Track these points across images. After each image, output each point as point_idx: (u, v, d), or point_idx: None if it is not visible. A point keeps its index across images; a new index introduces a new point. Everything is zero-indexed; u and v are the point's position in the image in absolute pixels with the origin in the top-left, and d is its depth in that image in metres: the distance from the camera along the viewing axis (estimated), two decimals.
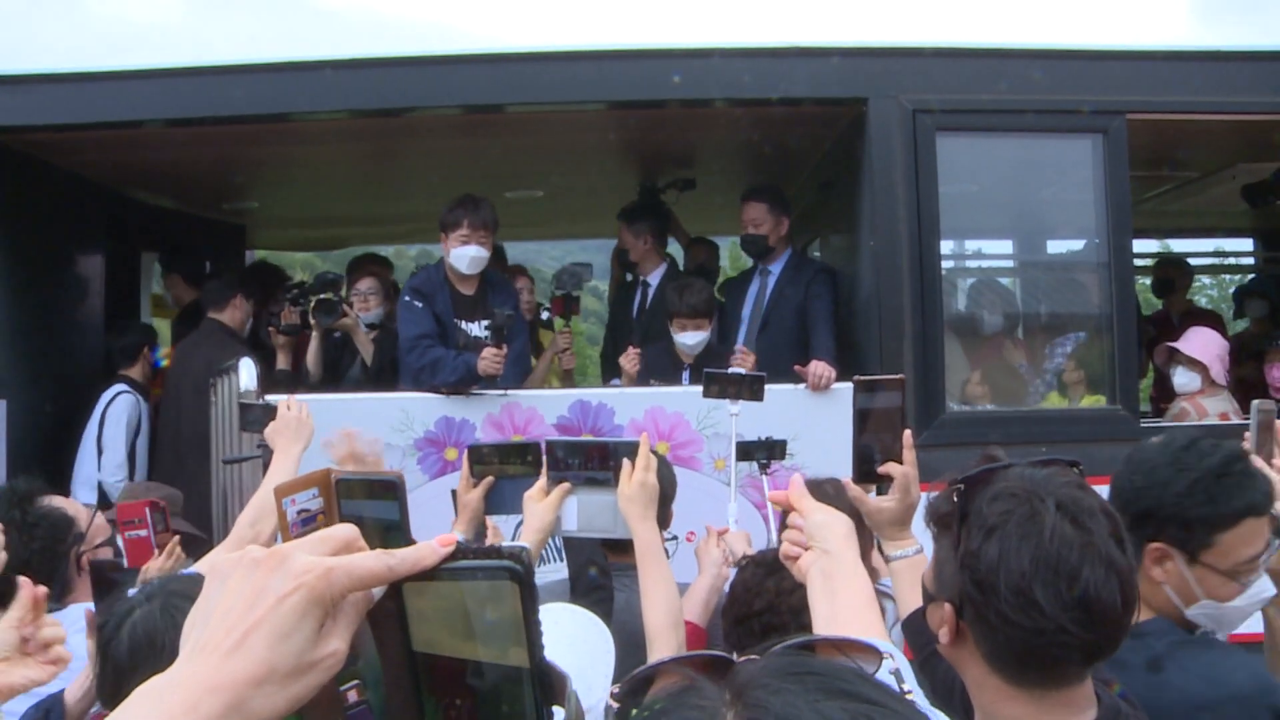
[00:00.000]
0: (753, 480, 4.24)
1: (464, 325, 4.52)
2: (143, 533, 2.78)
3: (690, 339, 4.59)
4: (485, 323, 4.48)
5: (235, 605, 0.66)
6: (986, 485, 1.29)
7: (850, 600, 1.35)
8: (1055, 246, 5.30)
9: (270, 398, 3.62)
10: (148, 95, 4.34)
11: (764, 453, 3.51)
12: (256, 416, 3.40)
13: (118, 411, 4.91)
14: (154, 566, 2.64)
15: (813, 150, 5.28)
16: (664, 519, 2.55)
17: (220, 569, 0.69)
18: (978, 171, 4.73)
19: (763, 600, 1.97)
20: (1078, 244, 4.96)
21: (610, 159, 5.62)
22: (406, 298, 4.45)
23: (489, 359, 4.21)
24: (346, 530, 0.70)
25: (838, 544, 1.40)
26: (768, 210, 4.86)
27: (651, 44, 4.56)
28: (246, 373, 4.10)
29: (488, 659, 0.68)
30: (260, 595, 0.66)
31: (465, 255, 4.41)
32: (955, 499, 1.31)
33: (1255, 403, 2.09)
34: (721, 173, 5.87)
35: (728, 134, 5.10)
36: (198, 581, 1.71)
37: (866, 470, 2.08)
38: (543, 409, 4.32)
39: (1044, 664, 1.21)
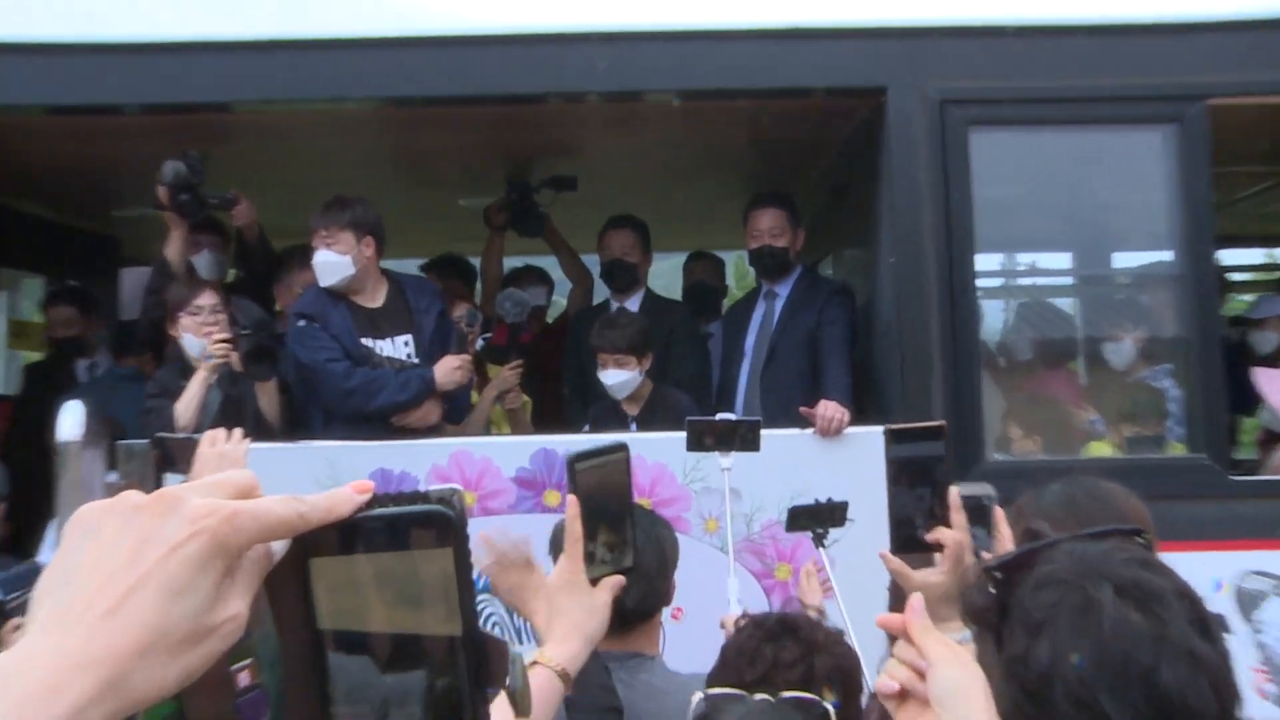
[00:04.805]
0: (750, 545, 3.89)
1: (374, 344, 3.93)
2: None
3: (612, 378, 4.05)
4: (405, 338, 3.93)
5: (111, 560, 0.54)
6: (1029, 570, 1.19)
7: None
8: (1118, 261, 4.97)
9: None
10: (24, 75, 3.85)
11: (818, 521, 2.94)
12: (172, 453, 3.20)
13: None
14: None
15: (822, 150, 4.94)
16: (665, 592, 2.35)
17: (85, 519, 0.56)
18: (1020, 173, 4.39)
19: (756, 670, 1.81)
20: (1146, 257, 4.67)
21: (588, 159, 5.19)
22: (300, 324, 3.87)
23: (461, 366, 3.87)
24: (245, 475, 0.61)
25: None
26: (787, 219, 4.42)
27: (625, 25, 4.04)
28: (70, 419, 3.41)
29: (410, 630, 0.59)
30: (146, 545, 0.54)
31: (315, 262, 3.88)
32: (993, 590, 1.21)
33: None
34: (718, 177, 5.50)
35: (723, 131, 4.74)
36: None
37: (908, 537, 1.96)
38: (499, 460, 3.86)
39: None
